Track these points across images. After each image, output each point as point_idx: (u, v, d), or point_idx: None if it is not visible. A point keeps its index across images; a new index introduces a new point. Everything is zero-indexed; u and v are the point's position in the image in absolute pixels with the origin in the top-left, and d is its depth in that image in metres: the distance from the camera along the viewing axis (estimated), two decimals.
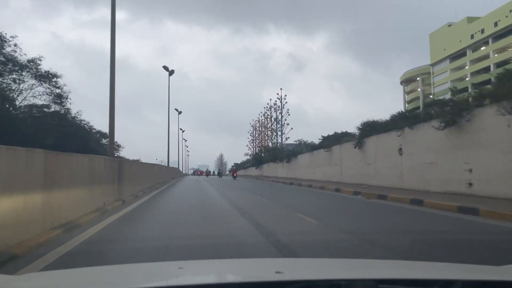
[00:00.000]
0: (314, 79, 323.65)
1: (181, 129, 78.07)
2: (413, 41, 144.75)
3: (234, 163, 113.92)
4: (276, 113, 63.61)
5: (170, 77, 39.52)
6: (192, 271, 2.21)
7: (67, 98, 29.32)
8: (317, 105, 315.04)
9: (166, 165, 41.54)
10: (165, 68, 39.46)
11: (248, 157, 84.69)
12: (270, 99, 73.90)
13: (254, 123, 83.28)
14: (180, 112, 58.69)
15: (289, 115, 61.11)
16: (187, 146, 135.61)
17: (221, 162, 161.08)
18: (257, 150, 77.29)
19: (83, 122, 32.85)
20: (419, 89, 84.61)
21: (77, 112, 32.14)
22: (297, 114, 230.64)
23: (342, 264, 2.58)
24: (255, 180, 42.24)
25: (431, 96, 77.00)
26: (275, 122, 63.42)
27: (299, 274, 2.01)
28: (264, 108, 74.07)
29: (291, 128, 73.11)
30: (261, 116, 75.90)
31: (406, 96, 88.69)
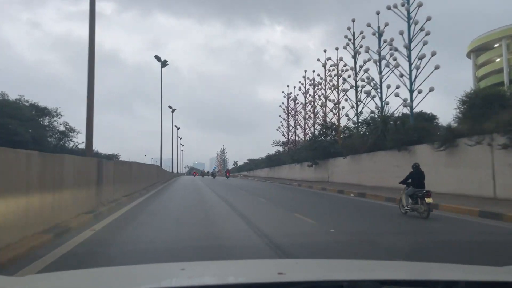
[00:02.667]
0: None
1: (175, 126, 74.01)
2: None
3: (242, 161, 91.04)
4: (368, 54, 27.01)
5: (162, 70, 38.48)
6: (194, 272, 2.19)
7: None
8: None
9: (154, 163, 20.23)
10: (157, 58, 37.64)
11: (279, 147, 56.30)
12: (354, 18, 31.34)
13: (289, 92, 50.95)
14: (173, 110, 56.10)
15: (427, 35, 22.26)
16: (182, 144, 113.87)
17: (222, 158, 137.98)
18: (299, 134, 48.79)
19: None
20: (498, 59, 63.02)
21: None
22: None
23: (344, 265, 2.57)
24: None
25: None
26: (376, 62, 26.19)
27: (301, 275, 1.97)
28: (326, 52, 36.98)
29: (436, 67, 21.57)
30: (312, 75, 41.65)
31: (477, 71, 66.46)
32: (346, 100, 31.16)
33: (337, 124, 33.95)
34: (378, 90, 26.52)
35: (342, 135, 33.19)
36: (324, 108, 37.50)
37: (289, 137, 51.99)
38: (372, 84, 26.79)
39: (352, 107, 31.39)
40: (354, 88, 30.36)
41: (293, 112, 49.82)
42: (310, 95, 43.40)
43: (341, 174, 29.73)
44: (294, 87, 48.97)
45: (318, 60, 37.82)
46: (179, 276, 2.01)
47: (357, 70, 30.27)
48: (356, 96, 30.22)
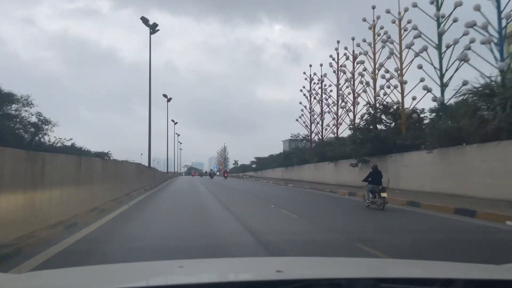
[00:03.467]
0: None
1: (172, 120, 70.58)
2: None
3: (241, 161, 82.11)
4: None
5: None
6: (192, 270, 2.15)
7: None
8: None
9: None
10: (144, 20, 30.23)
11: (298, 141, 46.80)
12: None
13: (312, 73, 40.17)
14: (169, 99, 50.47)
15: None
16: (180, 142, 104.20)
17: (224, 157, 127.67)
18: (328, 123, 37.59)
19: None
20: None
21: None
22: (292, 112, 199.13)
23: (342, 263, 2.54)
24: None
25: None
26: None
27: (299, 273, 1.95)
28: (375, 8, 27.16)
29: None
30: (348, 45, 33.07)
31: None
32: (420, 68, 20.80)
33: (399, 105, 23.59)
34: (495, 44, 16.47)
35: (407, 121, 23.06)
36: (373, 83, 26.75)
37: (313, 129, 41.53)
38: (486, 33, 16.68)
39: (422, 80, 21.19)
40: (437, 47, 19.99)
41: (319, 96, 38.92)
42: (348, 71, 31.80)
43: (417, 178, 19.62)
44: (321, 64, 38.47)
45: (364, 20, 27.39)
46: (178, 274, 1.98)
47: (440, 20, 20.04)
48: (440, 60, 19.94)
